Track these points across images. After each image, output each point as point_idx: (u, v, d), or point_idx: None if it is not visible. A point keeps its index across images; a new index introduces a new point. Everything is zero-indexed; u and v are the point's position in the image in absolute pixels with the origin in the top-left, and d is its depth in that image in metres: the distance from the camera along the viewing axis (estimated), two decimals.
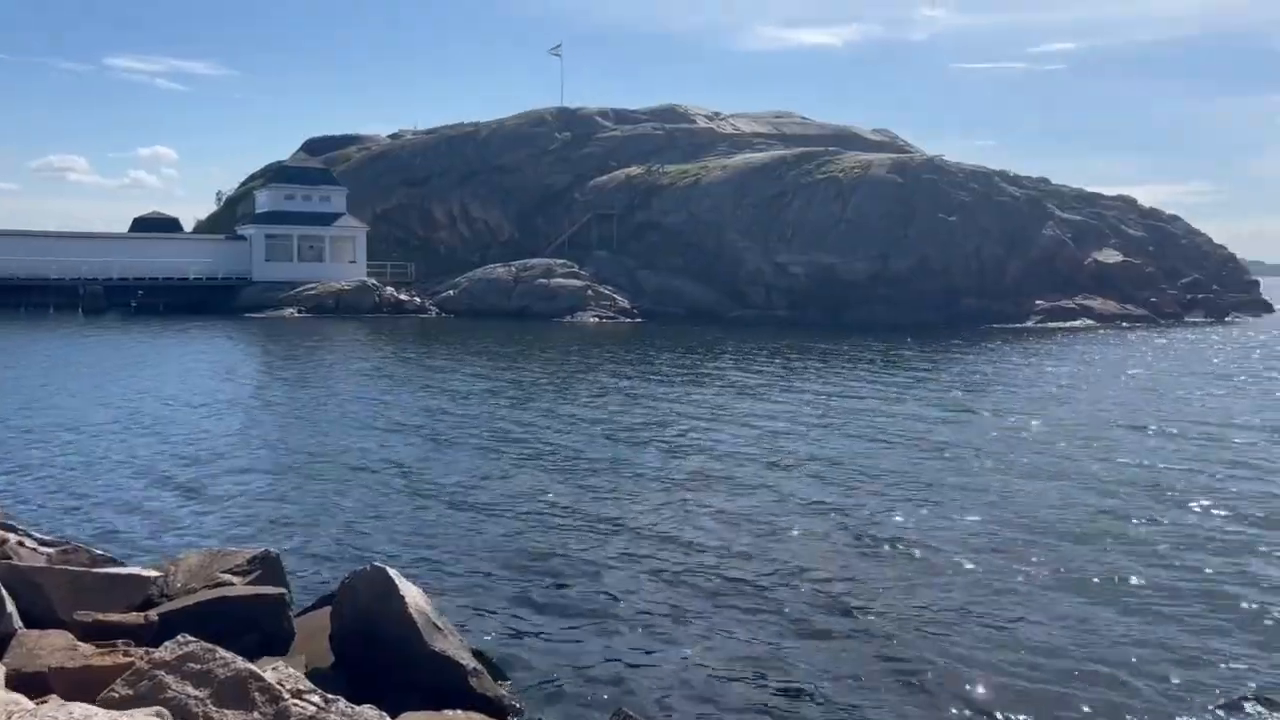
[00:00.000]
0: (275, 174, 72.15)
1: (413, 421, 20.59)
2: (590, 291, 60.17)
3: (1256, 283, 79.81)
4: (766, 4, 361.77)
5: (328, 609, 7.96)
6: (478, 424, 20.29)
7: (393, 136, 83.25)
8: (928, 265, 59.94)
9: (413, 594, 7.55)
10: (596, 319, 57.32)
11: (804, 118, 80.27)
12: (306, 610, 8.60)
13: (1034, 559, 11.21)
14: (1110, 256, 66.12)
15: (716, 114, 79.08)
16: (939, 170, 64.42)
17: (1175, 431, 20.53)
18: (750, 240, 63.34)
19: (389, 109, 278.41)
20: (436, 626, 7.50)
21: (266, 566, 8.66)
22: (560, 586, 10.09)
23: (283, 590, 7.87)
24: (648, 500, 13.76)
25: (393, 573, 7.55)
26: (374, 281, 62.81)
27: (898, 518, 13.00)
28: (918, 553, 11.42)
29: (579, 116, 77.05)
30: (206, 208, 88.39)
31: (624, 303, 60.25)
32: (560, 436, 18.90)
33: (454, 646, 7.51)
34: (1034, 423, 21.40)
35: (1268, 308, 75.38)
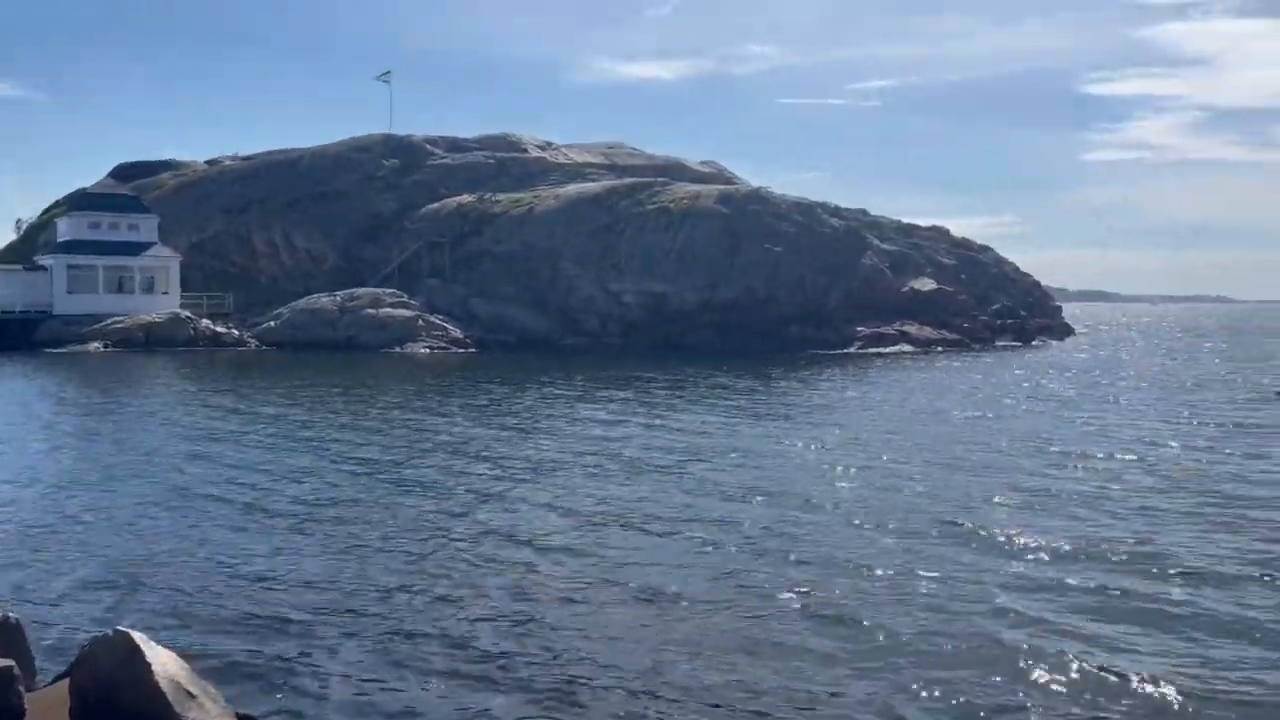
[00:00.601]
0: (78, 201, 68.01)
1: (188, 470, 19.14)
2: (421, 321, 59.00)
3: (1060, 308, 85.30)
4: (599, 37, 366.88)
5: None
6: (256, 473, 18.95)
7: (210, 163, 79.79)
8: (755, 294, 61.40)
9: (162, 659, 6.90)
10: (428, 349, 56.22)
11: (635, 149, 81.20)
12: (51, 682, 7.80)
13: (782, 600, 11.21)
14: (926, 285, 69.21)
15: (549, 144, 79.12)
16: (764, 202, 66.21)
17: (935, 458, 21.26)
18: (583, 269, 63.48)
19: (208, 135, 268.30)
20: (190, 694, 6.87)
21: (4, 635, 7.81)
22: (330, 645, 9.55)
23: (10, 662, 7.07)
24: (420, 552, 13.12)
25: (138, 636, 6.89)
26: (188, 314, 59.84)
27: (646, 560, 12.77)
28: (658, 597, 11.31)
29: (408, 143, 75.71)
30: (6, 237, 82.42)
31: (456, 332, 59.35)
32: (335, 484, 17.87)
33: (213, 715, 6.90)
34: (811, 450, 21.85)
35: (1070, 331, 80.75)
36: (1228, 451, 22.14)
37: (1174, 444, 23.29)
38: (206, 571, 12.13)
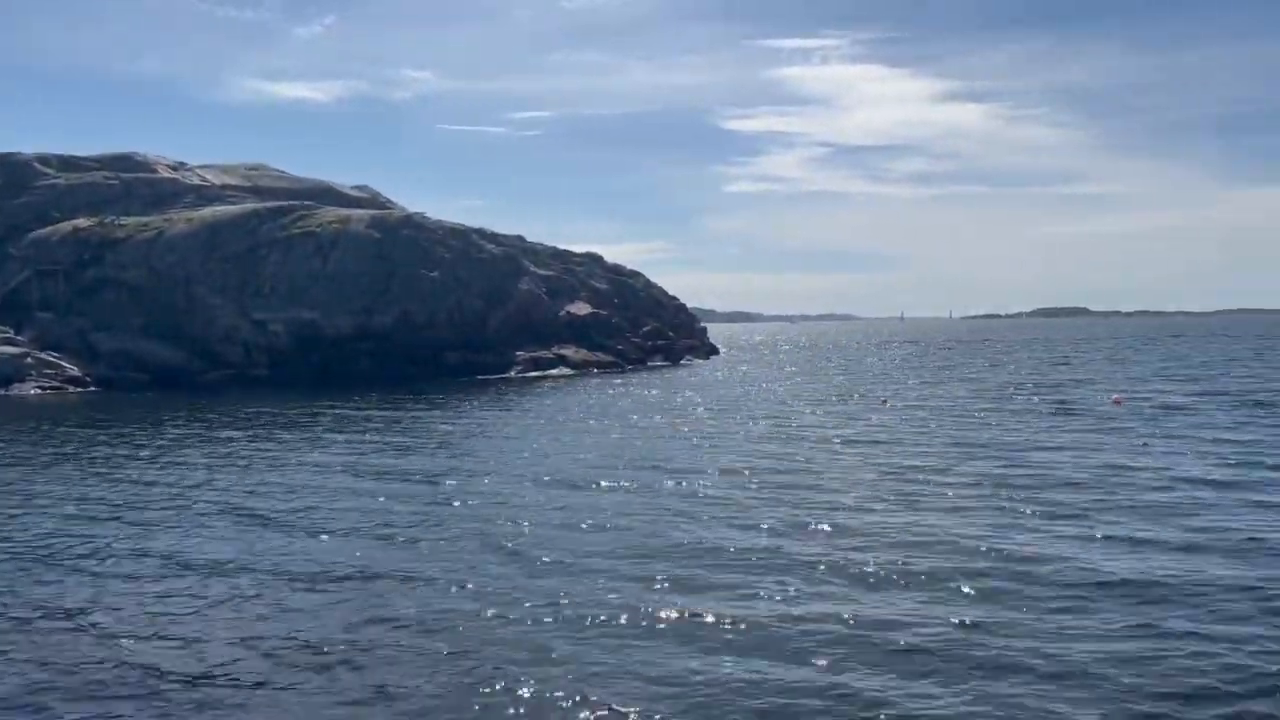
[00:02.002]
0: None
1: None
2: (30, 359, 52.56)
3: (705, 329, 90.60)
4: (244, 56, 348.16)
5: None
6: None
7: None
8: (411, 320, 60.16)
9: None
10: (39, 390, 50.17)
11: (280, 171, 77.12)
12: None
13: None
14: (581, 309, 70.96)
15: (182, 164, 73.34)
16: (419, 227, 65.17)
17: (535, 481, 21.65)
18: (223, 297, 59.38)
19: None
20: None
21: None
22: None
23: None
24: None
25: None
26: None
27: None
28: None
29: (13, 161, 67.39)
30: None
31: (74, 370, 53.44)
32: None
33: None
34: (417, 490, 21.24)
35: (715, 350, 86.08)
36: (834, 457, 24.06)
37: (774, 451, 25.05)
38: None
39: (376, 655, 10.51)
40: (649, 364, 70.19)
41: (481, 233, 70.92)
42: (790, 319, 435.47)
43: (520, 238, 76.19)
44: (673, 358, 74.50)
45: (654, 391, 46.91)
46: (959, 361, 73.66)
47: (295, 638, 11.07)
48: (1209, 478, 20.07)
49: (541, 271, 71.39)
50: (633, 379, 56.58)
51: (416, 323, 60.32)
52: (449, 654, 10.51)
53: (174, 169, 72.21)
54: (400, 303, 60.31)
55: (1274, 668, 9.75)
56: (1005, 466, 22.01)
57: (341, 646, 10.76)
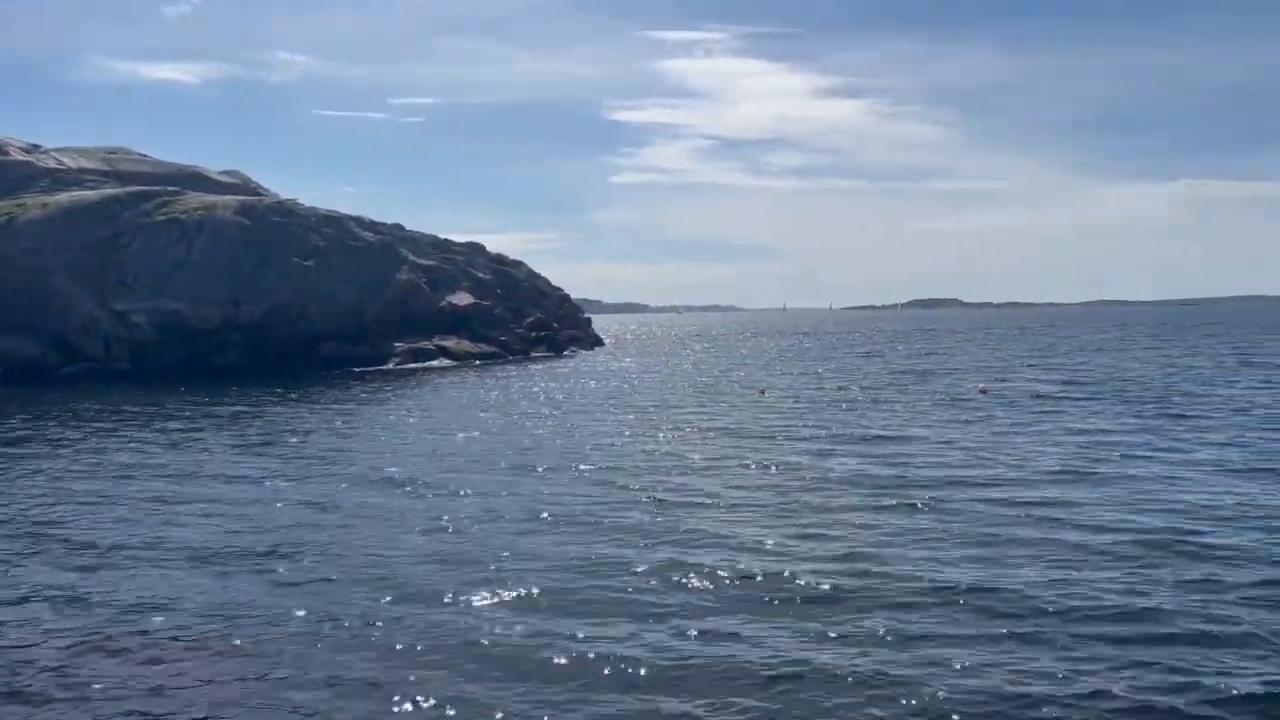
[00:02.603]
0: None
1: None
2: None
3: (589, 320, 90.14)
4: (106, 33, 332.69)
5: None
6: None
7: None
8: (284, 310, 58.19)
9: None
10: None
11: (143, 155, 73.67)
12: None
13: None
14: (463, 299, 69.67)
15: (35, 147, 69.35)
16: (290, 214, 63.06)
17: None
18: (81, 286, 56.44)
19: None
20: None
21: None
22: None
23: None
24: None
25: None
26: None
27: None
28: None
29: None
30: None
31: None
32: None
33: None
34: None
35: (599, 342, 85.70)
36: (706, 450, 23.90)
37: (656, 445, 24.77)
38: None
39: (179, 680, 9.75)
40: (532, 355, 69.48)
41: (359, 220, 69.04)
42: (678, 310, 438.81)
43: (399, 226, 74.45)
44: (556, 349, 73.90)
45: (534, 384, 46.26)
46: (837, 353, 74.87)
47: (93, 663, 10.24)
48: (1064, 468, 20.48)
49: (421, 261, 69.83)
50: (514, 370, 55.87)
51: (289, 313, 58.38)
52: (256, 679, 9.83)
53: (27, 151, 68.29)
54: (271, 293, 58.27)
55: (1116, 673, 9.77)
56: (869, 460, 22.10)
57: (140, 671, 9.97)
